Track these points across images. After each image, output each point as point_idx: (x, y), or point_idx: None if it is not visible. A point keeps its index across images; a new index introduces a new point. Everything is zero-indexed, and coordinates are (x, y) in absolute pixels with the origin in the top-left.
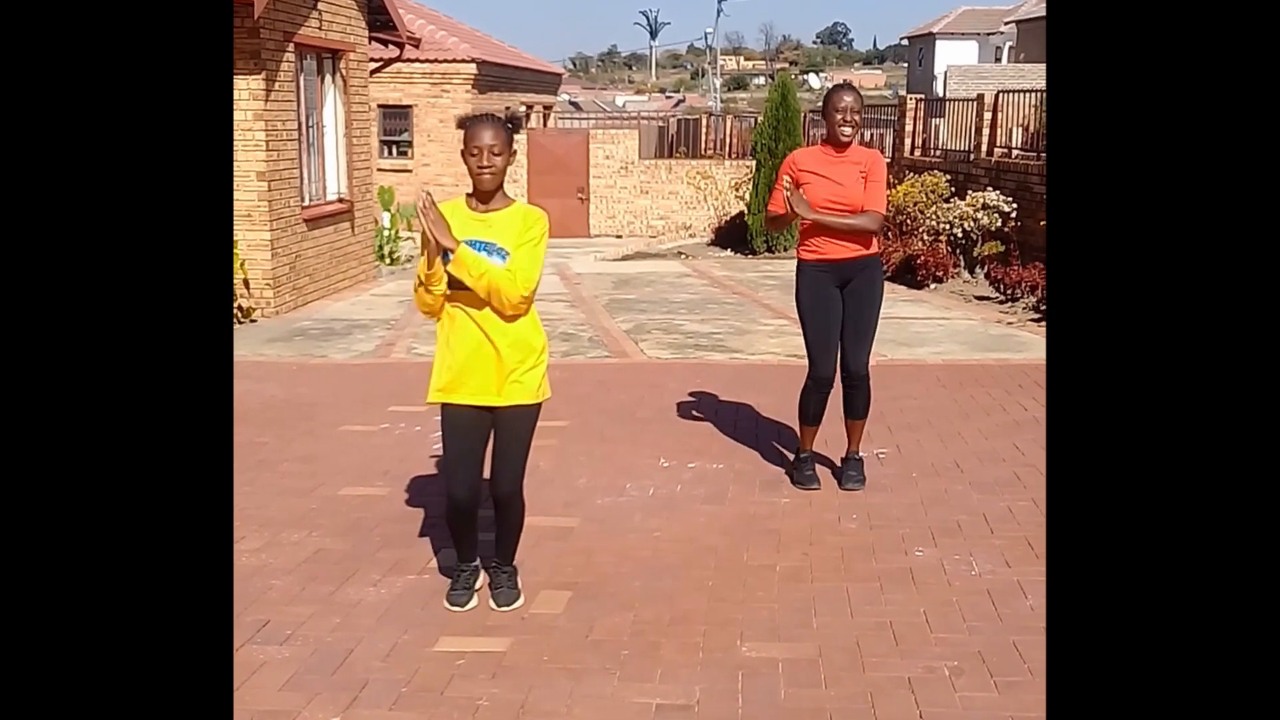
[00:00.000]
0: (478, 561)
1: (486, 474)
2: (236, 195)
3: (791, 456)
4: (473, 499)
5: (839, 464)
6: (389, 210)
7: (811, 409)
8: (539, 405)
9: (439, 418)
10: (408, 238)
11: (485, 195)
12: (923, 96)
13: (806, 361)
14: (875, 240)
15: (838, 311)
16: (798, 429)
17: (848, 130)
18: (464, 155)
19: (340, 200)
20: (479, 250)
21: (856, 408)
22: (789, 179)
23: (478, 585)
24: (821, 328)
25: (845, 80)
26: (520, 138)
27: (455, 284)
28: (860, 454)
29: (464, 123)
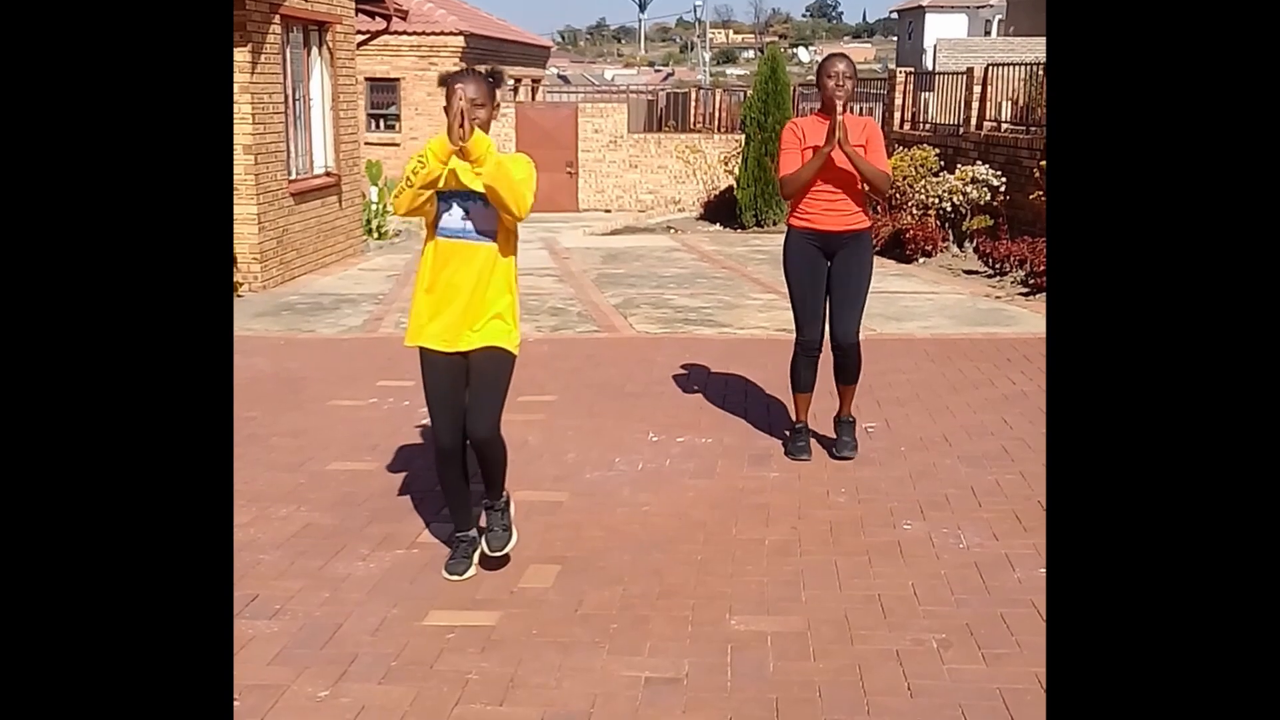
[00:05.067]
0: (474, 531)
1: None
2: None
3: (781, 431)
4: (456, 443)
5: (833, 431)
6: (376, 184)
7: (801, 375)
8: (510, 353)
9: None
10: None
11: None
12: (912, 70)
13: (795, 331)
14: (865, 214)
15: (822, 277)
16: (791, 399)
17: (841, 95)
18: (446, 111)
19: (327, 174)
20: (466, 200)
21: (847, 374)
22: (795, 134)
23: (476, 558)
24: (807, 292)
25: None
26: (508, 111)
27: (446, 233)
28: (852, 417)
29: (445, 79)
